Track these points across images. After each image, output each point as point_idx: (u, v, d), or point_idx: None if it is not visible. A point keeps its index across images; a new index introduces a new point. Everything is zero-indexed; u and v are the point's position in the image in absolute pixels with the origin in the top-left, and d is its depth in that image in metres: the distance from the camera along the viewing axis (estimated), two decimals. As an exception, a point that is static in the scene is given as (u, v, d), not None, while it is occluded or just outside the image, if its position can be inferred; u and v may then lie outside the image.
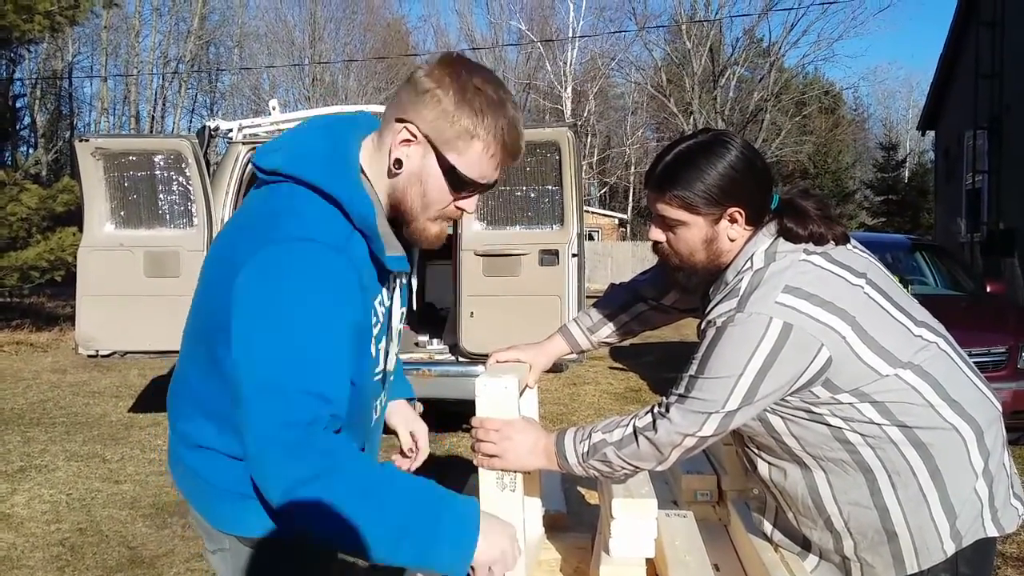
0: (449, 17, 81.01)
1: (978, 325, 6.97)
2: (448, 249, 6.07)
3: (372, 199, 1.54)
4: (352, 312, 1.48)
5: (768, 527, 2.00)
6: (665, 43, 38.58)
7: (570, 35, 37.25)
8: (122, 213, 5.92)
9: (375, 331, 1.59)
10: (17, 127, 31.57)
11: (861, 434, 1.70)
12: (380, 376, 1.69)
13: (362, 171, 1.57)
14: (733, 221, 1.76)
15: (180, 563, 4.25)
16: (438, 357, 6.08)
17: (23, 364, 10.56)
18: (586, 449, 1.80)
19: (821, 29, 55.70)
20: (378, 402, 1.76)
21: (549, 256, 5.50)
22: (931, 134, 19.55)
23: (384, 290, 1.61)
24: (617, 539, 1.92)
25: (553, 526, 2.34)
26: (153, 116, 40.19)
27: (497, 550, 1.50)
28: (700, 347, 1.71)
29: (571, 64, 37.11)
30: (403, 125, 1.51)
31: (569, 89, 36.70)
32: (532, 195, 5.61)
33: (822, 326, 1.64)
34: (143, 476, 5.77)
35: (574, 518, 2.38)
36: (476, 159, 1.52)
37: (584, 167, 38.21)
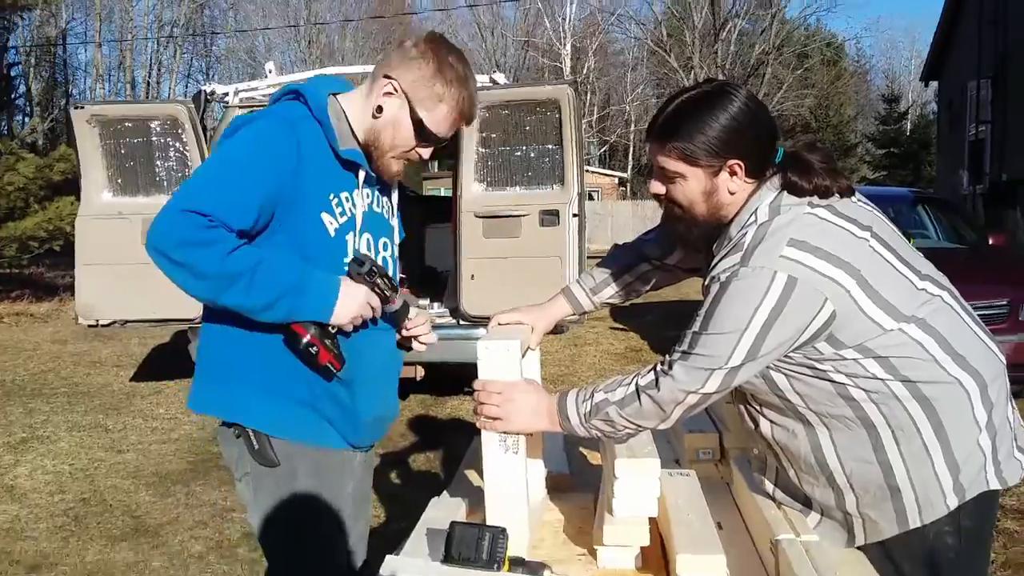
0: (445, -25, 79.91)
1: (979, 278, 6.92)
2: (448, 212, 6.05)
3: (326, 99, 1.92)
4: (276, 161, 1.81)
5: (769, 486, 1.99)
6: (665, -4, 38.16)
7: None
8: (119, 181, 5.87)
9: (339, 219, 1.92)
10: (12, 96, 31.37)
11: (865, 390, 1.69)
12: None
13: (343, 111, 1.97)
14: (733, 174, 1.73)
15: (184, 531, 4.27)
16: (439, 320, 6.05)
17: (23, 335, 10.58)
18: (588, 409, 1.78)
19: (823, -21, 54.95)
20: None
21: (549, 217, 5.45)
22: (934, 85, 19.37)
23: (357, 191, 1.96)
24: (620, 499, 1.90)
25: (556, 487, 2.34)
26: (148, 82, 39.93)
27: (351, 310, 1.86)
28: (704, 302, 1.69)
29: (570, 20, 36.73)
30: (388, 80, 1.91)
31: (568, 46, 36.36)
32: (532, 155, 5.55)
33: (827, 279, 1.61)
34: (145, 445, 5.79)
35: (577, 479, 2.38)
36: (440, 118, 1.93)
37: (584, 125, 38.08)
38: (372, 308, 1.91)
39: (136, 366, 8.47)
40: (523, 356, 2.11)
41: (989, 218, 12.87)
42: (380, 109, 1.92)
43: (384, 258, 2.08)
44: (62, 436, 6.03)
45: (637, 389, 1.73)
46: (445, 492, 2.29)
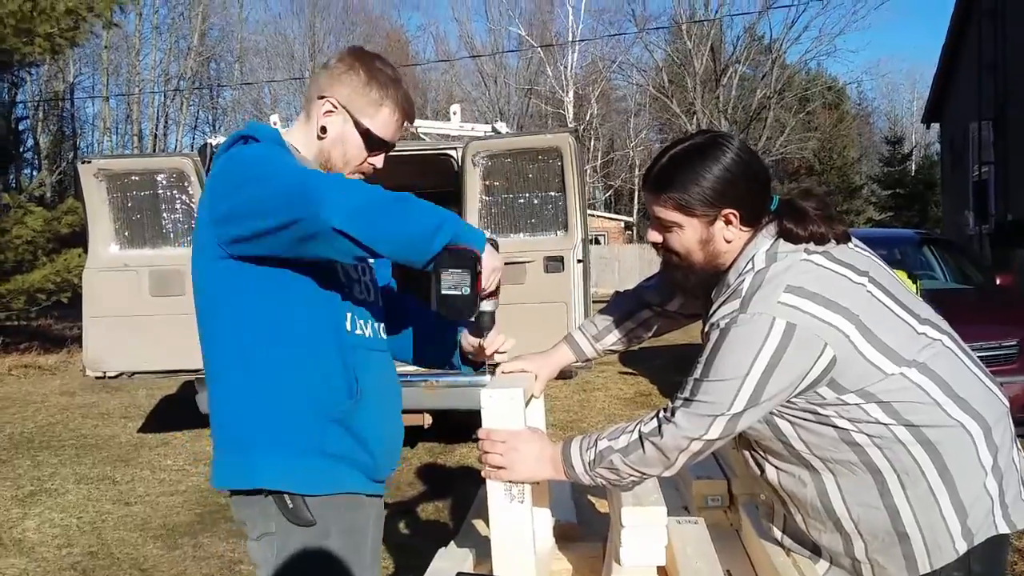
0: (448, 25, 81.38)
1: (988, 319, 6.92)
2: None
3: (288, 146, 1.92)
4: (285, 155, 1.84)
5: (778, 533, 1.97)
6: (666, 44, 38.56)
7: (570, 39, 37.29)
8: (126, 233, 5.93)
9: None
10: (21, 150, 31.73)
11: (868, 435, 1.68)
12: (347, 289, 1.94)
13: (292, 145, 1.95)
14: (728, 223, 1.75)
15: (192, 584, 4.24)
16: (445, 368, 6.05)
17: (32, 387, 10.58)
18: (592, 457, 1.78)
19: (822, 24, 55.92)
20: (361, 320, 1.98)
21: (554, 263, 5.47)
22: (936, 127, 19.49)
23: None
24: (627, 547, 1.90)
25: (564, 536, 2.32)
26: (155, 134, 40.34)
27: (497, 261, 1.79)
28: (704, 350, 1.70)
29: (572, 68, 37.17)
30: (325, 99, 1.93)
31: (571, 93, 36.73)
32: (535, 202, 5.59)
33: (826, 325, 1.62)
34: (153, 497, 5.76)
35: (585, 528, 2.36)
36: (383, 122, 1.95)
37: (588, 171, 38.25)
38: (498, 282, 1.84)
39: (144, 417, 8.45)
40: (527, 404, 2.12)
41: (996, 258, 12.87)
42: (324, 129, 1.94)
43: (366, 282, 2.05)
44: (70, 488, 6.00)
45: (640, 437, 1.73)
46: (452, 542, 2.27)
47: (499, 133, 6.10)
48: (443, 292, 1.70)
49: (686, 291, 2.02)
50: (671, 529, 2.10)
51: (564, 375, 7.59)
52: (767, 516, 2.04)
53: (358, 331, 1.96)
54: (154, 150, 37.05)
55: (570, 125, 33.54)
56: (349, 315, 1.94)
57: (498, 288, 1.85)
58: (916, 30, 75.33)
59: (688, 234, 1.78)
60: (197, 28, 39.91)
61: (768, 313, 1.62)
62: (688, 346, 11.34)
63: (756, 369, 1.61)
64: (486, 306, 1.86)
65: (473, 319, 1.86)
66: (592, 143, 39.89)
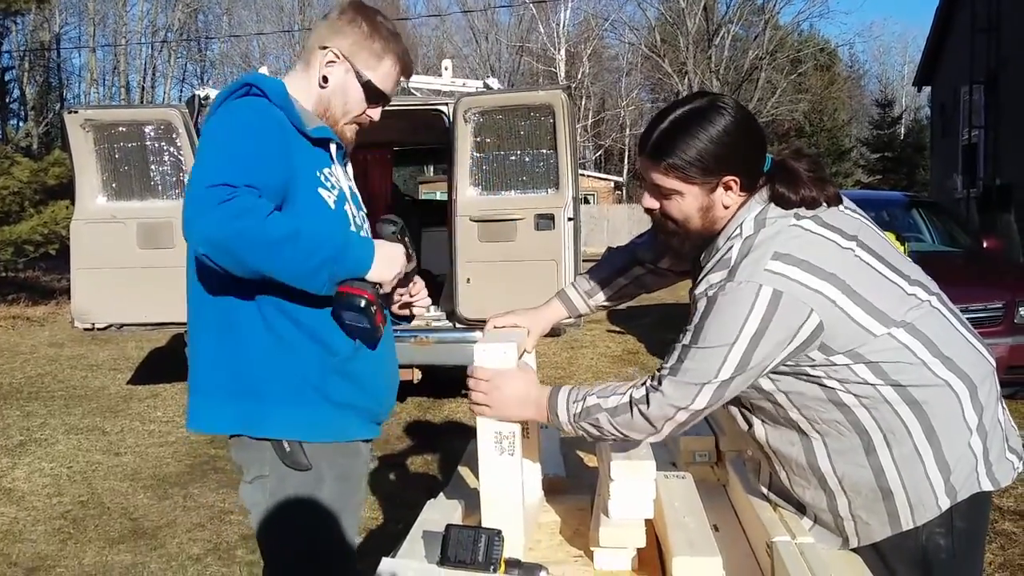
0: (440, -21, 79.84)
1: (975, 281, 6.97)
2: (444, 215, 6.08)
3: (283, 84, 1.93)
4: (277, 133, 1.81)
5: (764, 488, 2.00)
6: (659, 2, 38.20)
7: (562, -5, 36.87)
8: (114, 185, 5.89)
9: (332, 192, 1.93)
10: (7, 100, 31.31)
11: (855, 395, 1.70)
12: None
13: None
14: (728, 189, 1.74)
15: (182, 533, 4.28)
16: (435, 324, 6.08)
17: (20, 338, 10.56)
18: (579, 411, 1.80)
19: (816, -15, 55.06)
20: None
21: (545, 220, 5.47)
22: (927, 90, 19.44)
23: (335, 166, 1.99)
24: (616, 501, 1.92)
25: (553, 489, 2.35)
26: (143, 86, 39.87)
27: (393, 268, 1.85)
28: (692, 317, 1.70)
29: (564, 25, 36.78)
30: (327, 49, 1.96)
31: (562, 51, 36.41)
32: (527, 159, 5.57)
33: (811, 291, 1.63)
34: (143, 448, 5.79)
35: (573, 481, 2.38)
36: (384, 74, 2.00)
37: (579, 130, 38.04)
38: (403, 270, 1.92)
39: (133, 369, 8.46)
40: (519, 359, 2.14)
41: (983, 222, 12.91)
42: (326, 79, 1.97)
43: (366, 230, 2.09)
44: (59, 439, 6.03)
45: (630, 401, 1.74)
46: (441, 494, 2.30)
47: (491, 89, 6.05)
48: (347, 324, 1.82)
49: (680, 256, 2.02)
50: (659, 483, 2.12)
51: (553, 332, 7.64)
52: (754, 472, 2.06)
53: None
54: (141, 102, 36.62)
55: (562, 83, 33.31)
56: None
57: (412, 252, 1.97)
58: (910, -8, 74.74)
59: (688, 202, 1.75)
60: (185, -22, 39.25)
61: (755, 281, 1.62)
62: (676, 305, 11.40)
63: (743, 336, 1.62)
64: (408, 267, 1.97)
65: (378, 338, 1.92)
66: (583, 102, 39.62)
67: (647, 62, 39.56)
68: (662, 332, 9.62)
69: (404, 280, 2.01)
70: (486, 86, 6.14)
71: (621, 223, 29.63)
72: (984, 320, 6.17)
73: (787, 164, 1.76)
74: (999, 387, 1.85)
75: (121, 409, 6.90)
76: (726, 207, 1.76)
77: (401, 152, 8.91)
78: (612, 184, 39.27)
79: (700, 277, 1.75)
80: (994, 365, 1.84)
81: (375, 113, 2.06)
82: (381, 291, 1.85)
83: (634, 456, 1.96)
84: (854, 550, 1.86)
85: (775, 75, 37.92)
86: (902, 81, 48.17)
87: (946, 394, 1.72)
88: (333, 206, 1.93)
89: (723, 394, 1.68)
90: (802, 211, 1.71)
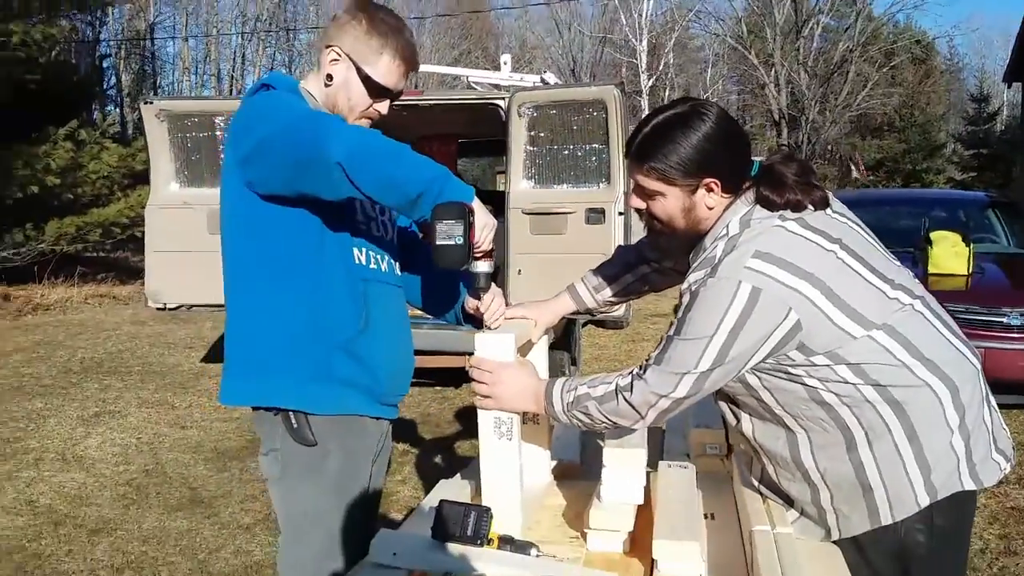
0: (525, -30, 79.70)
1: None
2: (499, 207, 6.18)
3: (305, 94, 2.06)
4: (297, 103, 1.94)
5: (755, 481, 2.07)
6: (745, -8, 37.49)
7: (646, -14, 36.50)
8: (186, 172, 6.16)
9: None
10: (104, 87, 32.46)
11: (837, 394, 1.75)
12: (364, 227, 2.08)
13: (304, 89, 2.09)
14: (709, 191, 1.81)
15: (236, 503, 4.52)
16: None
17: (105, 316, 11.10)
18: (571, 400, 1.89)
19: (912, -25, 53.30)
20: (377, 255, 2.11)
21: (595, 214, 5.53)
22: (1017, 85, 18.69)
23: None
24: (607, 485, 2.02)
25: (565, 474, 2.44)
26: (232, 76, 40.87)
27: (488, 217, 1.82)
28: (679, 312, 1.79)
29: (647, 16, 36.39)
30: (331, 49, 2.05)
31: (644, 42, 36.04)
32: (579, 153, 5.64)
33: (790, 290, 1.68)
34: (208, 422, 6.09)
35: (588, 468, 2.46)
36: (385, 70, 2.05)
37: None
38: (490, 240, 1.87)
39: (207, 348, 8.81)
40: (529, 350, 2.24)
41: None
42: (330, 77, 2.05)
43: (383, 221, 2.18)
44: (132, 411, 6.37)
45: (616, 389, 1.83)
46: (458, 475, 2.42)
47: (547, 84, 6.13)
48: (438, 243, 1.75)
49: (670, 254, 2.10)
50: (660, 472, 2.21)
51: (616, 325, 7.68)
52: (747, 465, 2.13)
53: (372, 265, 2.09)
54: (230, 91, 37.64)
55: (643, 74, 33.03)
56: (364, 250, 2.07)
57: (492, 250, 1.90)
58: (1014, -18, 71.44)
59: (671, 202, 1.83)
60: (274, -31, 40.11)
61: (735, 278, 1.69)
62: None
63: (722, 330, 1.69)
64: (482, 266, 1.90)
65: (468, 272, 1.90)
66: (667, 93, 39.16)
67: (733, 53, 38.87)
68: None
69: (485, 279, 1.96)
70: (543, 81, 6.23)
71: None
72: (1049, 325, 5.98)
73: (774, 168, 1.82)
74: (986, 388, 1.88)
75: (191, 385, 7.23)
76: (709, 208, 1.82)
77: (477, 144, 9.01)
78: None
79: (688, 274, 1.82)
80: (979, 367, 1.87)
81: (382, 107, 2.10)
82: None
83: (626, 444, 2.06)
84: (836, 542, 1.91)
85: (866, 68, 36.84)
86: (1002, 76, 46.31)
87: (926, 395, 1.76)
88: (360, 209, 2.05)
89: (703, 385, 1.75)
90: (788, 213, 1.77)
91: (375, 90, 2.06)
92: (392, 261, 2.19)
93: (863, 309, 1.72)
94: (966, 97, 43.60)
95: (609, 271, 2.36)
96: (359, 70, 2.03)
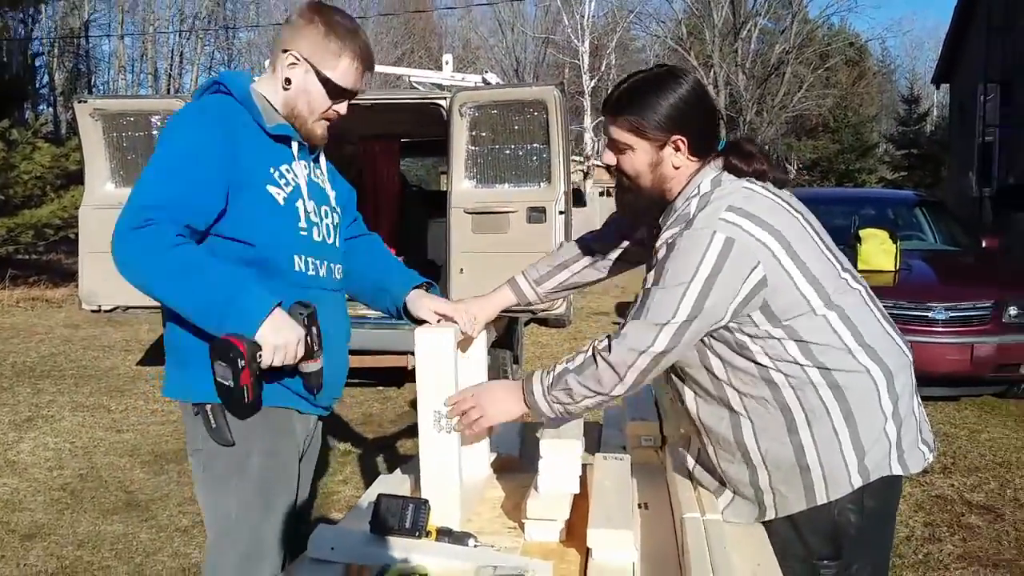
0: (468, -30, 79.64)
1: (966, 280, 7.02)
2: (441, 207, 6.20)
3: (255, 95, 2.05)
4: (214, 148, 1.92)
5: (691, 462, 2.13)
6: (685, -6, 37.97)
7: (587, -13, 36.74)
8: (122, 173, 6.03)
9: (284, 189, 2.03)
10: (36, 86, 31.68)
11: (785, 374, 1.84)
12: (306, 233, 2.08)
13: (262, 94, 2.08)
14: (677, 149, 1.89)
15: (173, 506, 4.46)
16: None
17: (38, 319, 10.84)
18: (551, 380, 1.93)
19: (846, -22, 54.40)
20: (317, 261, 2.11)
21: (536, 213, 5.57)
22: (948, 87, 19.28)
23: (295, 162, 2.08)
24: (544, 476, 2.06)
25: (504, 468, 2.48)
26: (170, 74, 40.19)
27: (282, 338, 1.85)
28: (654, 266, 1.84)
29: (588, 17, 36.61)
30: (288, 52, 2.05)
31: (587, 43, 36.26)
32: (520, 153, 5.68)
33: (759, 244, 1.77)
34: (144, 426, 5.99)
35: (525, 461, 2.49)
36: (343, 72, 2.06)
37: (602, 122, 37.81)
38: (295, 354, 1.90)
39: (143, 351, 8.66)
40: (468, 345, 2.27)
41: (998, 221, 12.86)
42: (288, 81, 2.05)
43: (327, 225, 2.17)
44: (66, 416, 6.25)
45: (593, 352, 1.86)
46: (398, 470, 2.44)
47: (488, 84, 6.16)
48: (216, 380, 1.82)
49: (636, 214, 2.12)
50: (597, 464, 2.26)
51: (558, 323, 7.77)
52: (684, 446, 2.19)
53: (310, 271, 2.09)
54: (168, 90, 36.98)
55: (585, 75, 33.24)
56: (304, 257, 2.07)
57: (318, 349, 1.96)
58: (943, -13, 73.46)
59: (639, 157, 1.91)
60: (213, -34, 39.52)
61: (709, 228, 1.77)
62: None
63: (698, 278, 1.75)
64: (310, 367, 1.97)
65: (299, 372, 1.97)
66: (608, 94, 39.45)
67: (673, 55, 39.29)
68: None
69: (313, 378, 2.01)
70: (485, 81, 6.25)
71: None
72: (972, 319, 6.21)
73: (741, 144, 1.94)
74: (915, 381, 1.97)
75: (127, 388, 7.11)
76: (676, 168, 1.91)
77: (419, 144, 9.00)
78: (634, 177, 39.07)
79: (661, 233, 1.88)
80: (911, 359, 1.97)
81: (342, 108, 2.12)
82: (261, 360, 1.84)
83: (563, 435, 2.10)
84: (770, 521, 1.98)
85: (802, 69, 37.56)
86: (931, 77, 47.57)
87: (865, 380, 1.85)
88: (282, 202, 2.02)
89: (681, 339, 1.80)
90: (755, 181, 1.88)
91: (335, 92, 2.08)
92: (333, 266, 2.19)
93: (822, 278, 1.82)
94: (898, 99, 44.75)
95: (551, 264, 2.40)
96: (318, 73, 2.04)
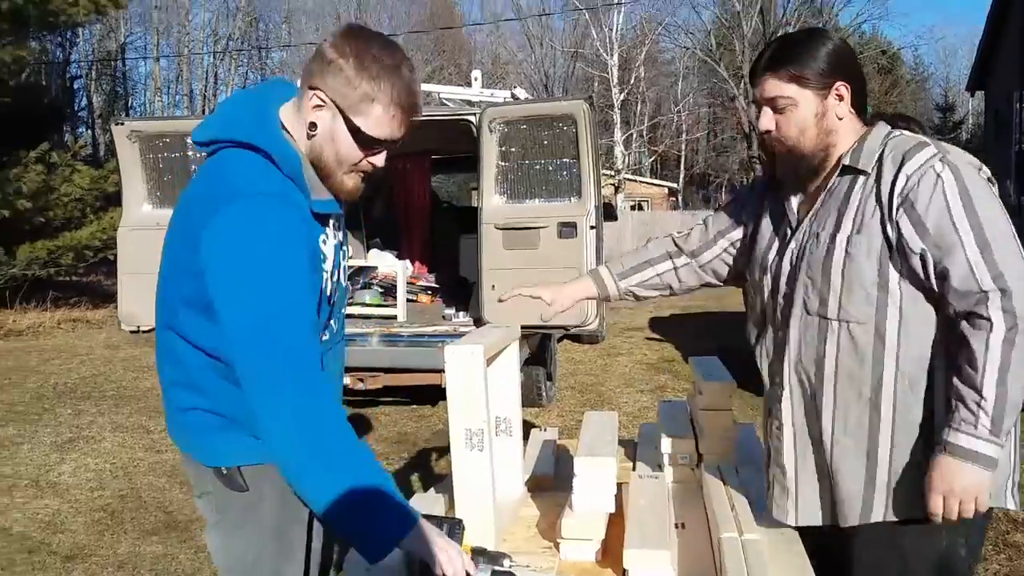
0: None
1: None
2: (473, 223, 6.22)
3: (295, 150, 1.74)
4: (305, 253, 1.68)
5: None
6: (714, 5, 37.91)
7: (615, 1, 36.80)
8: (158, 193, 6.13)
9: (325, 273, 1.79)
10: (75, 108, 32.28)
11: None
12: (332, 304, 1.87)
13: (285, 129, 1.76)
14: (840, 98, 1.87)
15: (211, 526, 4.48)
16: (462, 329, 6.21)
17: (78, 340, 11.00)
18: (989, 424, 1.68)
19: (877, -14, 54.10)
20: (332, 321, 1.91)
21: (567, 228, 5.57)
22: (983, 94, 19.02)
23: (329, 229, 1.81)
24: (579, 495, 2.05)
25: (540, 487, 2.48)
26: (205, 95, 40.83)
27: (455, 561, 1.63)
28: (931, 204, 1.73)
29: (617, 30, 36.66)
30: (314, 92, 1.70)
31: (615, 56, 36.29)
32: (550, 168, 5.68)
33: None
34: (183, 446, 6.02)
35: (560, 480, 2.49)
36: (377, 120, 1.70)
37: (634, 135, 37.77)
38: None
39: (181, 371, 8.73)
40: (495, 357, 2.26)
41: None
42: (313, 126, 1.72)
43: (338, 275, 1.92)
44: (106, 436, 6.32)
45: (1002, 342, 1.66)
46: (432, 489, 2.44)
47: (517, 99, 6.18)
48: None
49: (780, 185, 2.03)
50: (633, 483, 2.25)
51: (591, 339, 7.73)
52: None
53: (325, 336, 1.88)
54: (203, 110, 37.53)
55: (614, 88, 33.25)
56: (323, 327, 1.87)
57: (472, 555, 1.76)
58: (977, -7, 72.61)
59: (803, 110, 1.86)
60: (245, -13, 40.15)
61: (974, 165, 1.79)
62: (719, 313, 11.36)
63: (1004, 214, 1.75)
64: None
65: None
66: (638, 107, 39.45)
67: (703, 66, 39.22)
68: (702, 341, 9.56)
69: None
70: (514, 96, 6.28)
71: (670, 229, 29.30)
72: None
73: (889, 114, 1.95)
74: None
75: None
76: (839, 119, 1.87)
77: (450, 160, 9.04)
78: (666, 191, 39.04)
79: (897, 167, 1.78)
80: None
81: (378, 160, 1.78)
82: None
83: (598, 453, 2.10)
84: (873, 525, 1.88)
85: (833, 79, 37.22)
86: (965, 85, 47.03)
87: None
88: (328, 290, 1.82)
89: None
90: None
91: (366, 142, 1.73)
92: (341, 313, 1.98)
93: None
94: (932, 107, 44.25)
95: (637, 259, 2.33)
96: (347, 120, 1.70)
